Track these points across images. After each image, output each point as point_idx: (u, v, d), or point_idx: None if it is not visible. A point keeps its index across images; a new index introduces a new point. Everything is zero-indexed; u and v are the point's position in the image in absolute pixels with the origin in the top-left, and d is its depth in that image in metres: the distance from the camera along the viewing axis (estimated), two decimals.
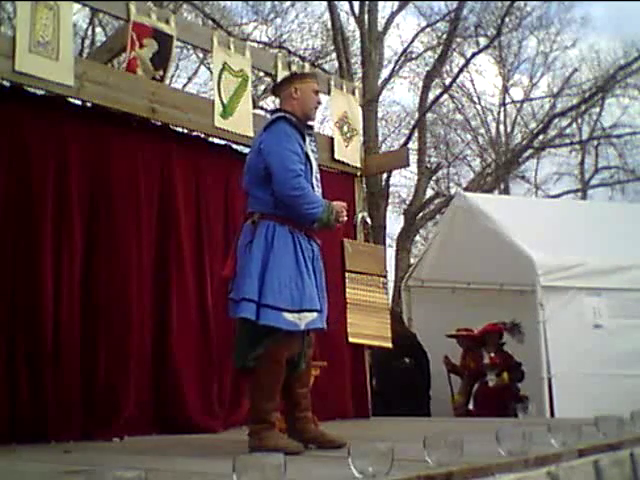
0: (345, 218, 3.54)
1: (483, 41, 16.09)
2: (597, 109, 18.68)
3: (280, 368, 3.33)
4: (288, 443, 3.25)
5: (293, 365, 3.43)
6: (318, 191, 3.54)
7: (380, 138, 15.67)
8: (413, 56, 16.80)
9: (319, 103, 3.70)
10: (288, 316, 3.24)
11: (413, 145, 15.58)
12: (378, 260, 6.38)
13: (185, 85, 16.01)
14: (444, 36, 15.42)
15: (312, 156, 3.52)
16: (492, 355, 6.98)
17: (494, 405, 6.58)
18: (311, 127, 3.66)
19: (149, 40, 4.92)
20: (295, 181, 3.33)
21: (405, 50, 16.52)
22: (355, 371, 6.00)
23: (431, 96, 15.84)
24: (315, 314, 3.32)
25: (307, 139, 3.53)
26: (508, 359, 6.94)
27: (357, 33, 15.35)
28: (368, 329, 5.96)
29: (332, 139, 6.10)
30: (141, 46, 4.88)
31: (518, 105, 20.23)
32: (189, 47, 12.94)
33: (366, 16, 14.79)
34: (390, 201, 15.83)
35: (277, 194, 3.37)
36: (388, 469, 2.31)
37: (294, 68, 5.89)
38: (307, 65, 6.84)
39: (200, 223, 5.08)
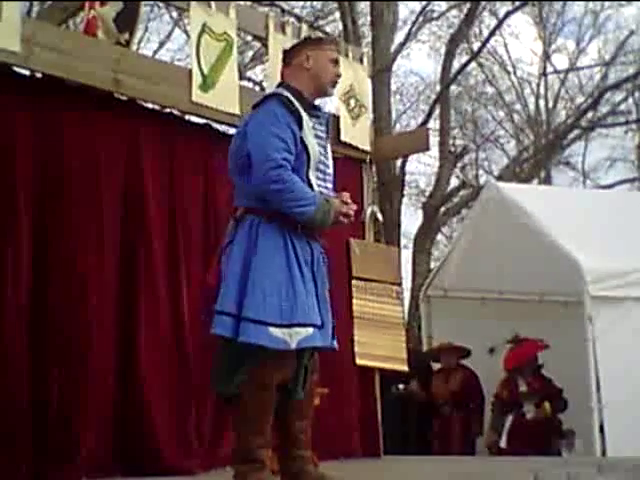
0: (351, 215, 3.51)
1: None
2: None
3: (269, 395, 3.33)
4: None
5: (287, 391, 3.43)
6: (325, 187, 3.50)
7: (394, 116, 15.72)
8: (434, 15, 16.82)
9: (338, 76, 3.67)
10: (275, 332, 3.22)
11: (434, 124, 15.64)
12: (391, 264, 6.39)
13: (156, 52, 16.07)
14: None
15: (315, 143, 3.47)
16: (529, 381, 6.97)
17: (533, 441, 6.60)
18: (317, 107, 3.60)
19: None
20: (274, 173, 3.30)
21: (424, 8, 16.55)
22: (363, 400, 6.00)
23: (456, 65, 15.87)
24: (311, 330, 3.28)
25: (311, 122, 3.49)
26: (547, 385, 6.94)
27: None
28: (379, 349, 5.96)
29: (337, 117, 6.07)
30: (102, 3, 4.88)
31: (562, 76, 20.28)
32: (161, 5, 12.96)
33: None
34: (406, 192, 15.89)
35: (256, 188, 3.37)
36: None
37: (289, 30, 5.88)
38: (305, 27, 6.80)
39: (174, 217, 5.09)
